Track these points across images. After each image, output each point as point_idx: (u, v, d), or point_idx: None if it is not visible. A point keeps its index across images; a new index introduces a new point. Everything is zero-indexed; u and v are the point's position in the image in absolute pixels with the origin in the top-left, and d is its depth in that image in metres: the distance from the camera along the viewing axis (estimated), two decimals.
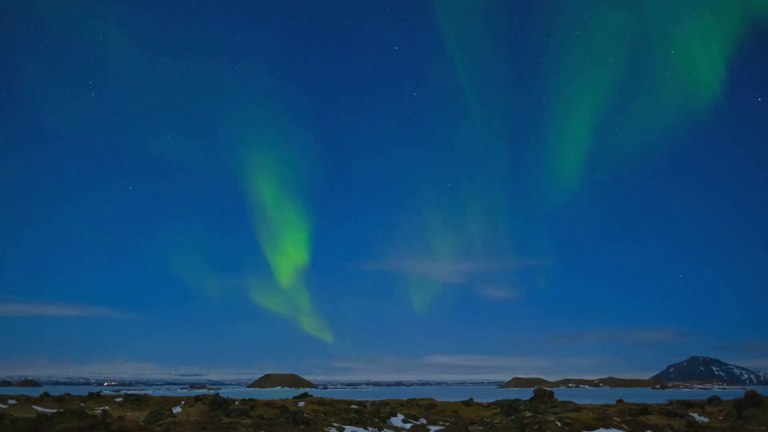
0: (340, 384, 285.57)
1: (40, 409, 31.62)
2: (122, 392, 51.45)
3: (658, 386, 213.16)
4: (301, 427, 24.66)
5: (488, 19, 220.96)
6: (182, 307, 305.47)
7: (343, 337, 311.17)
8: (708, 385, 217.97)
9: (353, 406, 32.85)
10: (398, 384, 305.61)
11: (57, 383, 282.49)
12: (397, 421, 30.16)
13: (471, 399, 40.63)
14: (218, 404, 30.12)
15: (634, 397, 71.01)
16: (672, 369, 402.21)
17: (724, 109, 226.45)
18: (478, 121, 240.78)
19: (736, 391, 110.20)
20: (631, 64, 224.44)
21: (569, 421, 21.27)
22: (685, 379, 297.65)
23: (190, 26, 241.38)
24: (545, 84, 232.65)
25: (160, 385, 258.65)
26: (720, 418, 26.82)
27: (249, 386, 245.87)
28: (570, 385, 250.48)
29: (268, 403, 31.61)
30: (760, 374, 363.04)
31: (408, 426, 28.88)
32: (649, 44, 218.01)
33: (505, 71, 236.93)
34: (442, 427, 27.49)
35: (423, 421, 30.59)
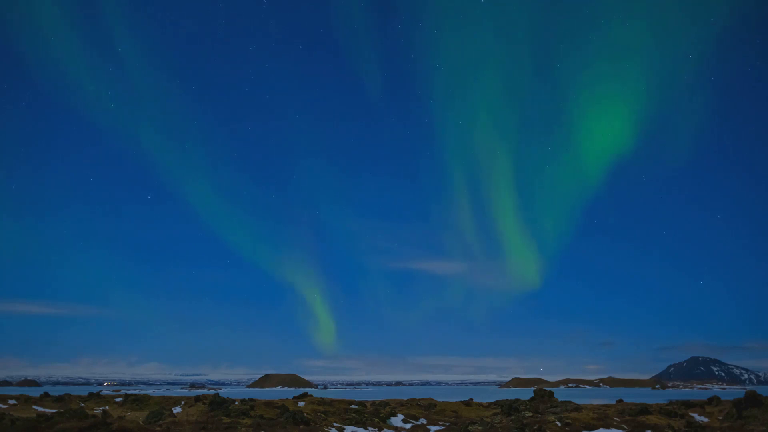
0: (340, 384, 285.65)
1: (40, 409, 31.62)
2: (122, 392, 51.43)
3: (658, 386, 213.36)
4: (301, 427, 24.65)
5: None
6: (182, 307, 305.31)
7: (343, 337, 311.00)
8: (708, 385, 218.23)
9: (353, 406, 32.86)
10: (398, 384, 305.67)
11: (57, 383, 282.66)
12: (397, 421, 30.15)
13: (471, 399, 40.63)
14: (218, 404, 30.14)
15: (634, 397, 71.04)
16: (672, 369, 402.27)
17: None
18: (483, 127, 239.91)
19: (736, 391, 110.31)
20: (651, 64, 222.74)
21: (569, 421, 21.27)
22: (685, 379, 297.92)
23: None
24: (556, 90, 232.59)
25: (160, 385, 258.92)
26: (720, 418, 26.82)
27: (249, 386, 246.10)
28: (570, 385, 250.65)
29: (268, 403, 31.60)
30: (760, 374, 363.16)
31: (408, 426, 28.88)
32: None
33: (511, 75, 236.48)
34: (442, 427, 27.49)
35: (423, 421, 30.58)
